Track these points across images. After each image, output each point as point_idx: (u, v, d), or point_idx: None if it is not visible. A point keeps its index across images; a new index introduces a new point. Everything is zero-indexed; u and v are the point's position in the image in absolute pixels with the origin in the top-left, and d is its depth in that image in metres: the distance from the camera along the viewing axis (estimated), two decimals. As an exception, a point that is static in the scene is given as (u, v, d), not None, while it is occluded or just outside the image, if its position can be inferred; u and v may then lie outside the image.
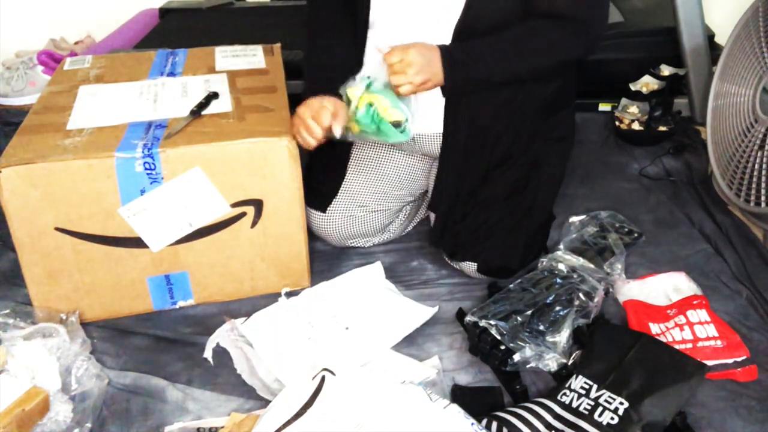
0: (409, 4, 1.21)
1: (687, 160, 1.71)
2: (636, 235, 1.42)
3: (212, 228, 1.22)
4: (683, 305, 1.21)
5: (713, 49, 1.82)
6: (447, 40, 1.18)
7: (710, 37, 1.85)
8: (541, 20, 1.16)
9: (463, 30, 1.17)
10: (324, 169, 1.40)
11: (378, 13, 1.24)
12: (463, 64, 1.15)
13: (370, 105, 1.13)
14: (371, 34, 1.27)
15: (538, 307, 1.16)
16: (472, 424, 0.90)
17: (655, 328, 1.18)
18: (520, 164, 1.30)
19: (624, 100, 1.84)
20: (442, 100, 1.23)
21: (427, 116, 1.26)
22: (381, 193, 1.40)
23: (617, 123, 1.83)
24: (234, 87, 1.34)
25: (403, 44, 1.13)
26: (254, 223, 1.23)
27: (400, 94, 1.14)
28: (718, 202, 1.53)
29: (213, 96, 1.28)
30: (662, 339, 1.14)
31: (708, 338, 1.14)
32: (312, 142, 1.16)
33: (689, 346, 1.13)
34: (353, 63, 1.27)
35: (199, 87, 1.33)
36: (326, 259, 1.41)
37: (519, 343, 1.10)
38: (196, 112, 1.23)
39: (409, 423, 0.91)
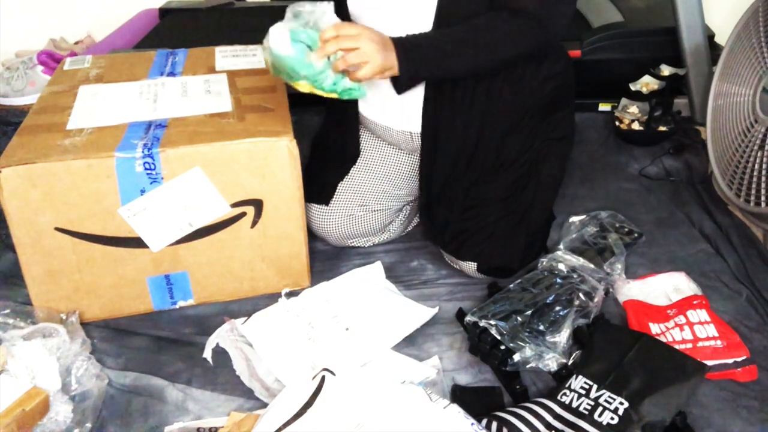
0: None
1: (687, 160, 1.71)
2: (636, 235, 1.42)
3: (212, 228, 1.22)
4: (683, 305, 1.21)
5: (713, 49, 1.82)
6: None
7: (710, 37, 1.85)
8: (497, 14, 1.15)
9: (441, 18, 1.16)
10: (324, 164, 1.41)
11: (356, 5, 1.23)
12: (418, 57, 1.12)
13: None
14: None
15: (538, 307, 1.16)
16: (472, 424, 0.90)
17: (655, 328, 1.18)
18: (519, 164, 1.30)
19: (624, 100, 1.84)
20: (421, 98, 1.23)
21: (406, 113, 1.28)
22: (381, 193, 1.40)
23: (617, 123, 1.83)
24: (234, 87, 1.34)
25: (353, 24, 1.09)
26: (254, 223, 1.23)
27: (357, 78, 1.08)
28: (718, 202, 1.53)
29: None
30: (662, 339, 1.14)
31: (708, 338, 1.14)
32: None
33: (689, 346, 1.13)
34: None
35: (199, 87, 1.33)
36: (326, 259, 1.41)
37: (519, 343, 1.10)
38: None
39: (409, 423, 0.91)
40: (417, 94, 1.23)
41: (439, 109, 1.25)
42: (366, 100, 1.28)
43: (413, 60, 1.11)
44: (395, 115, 1.31)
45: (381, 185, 1.40)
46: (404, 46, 1.11)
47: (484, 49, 1.16)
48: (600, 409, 0.98)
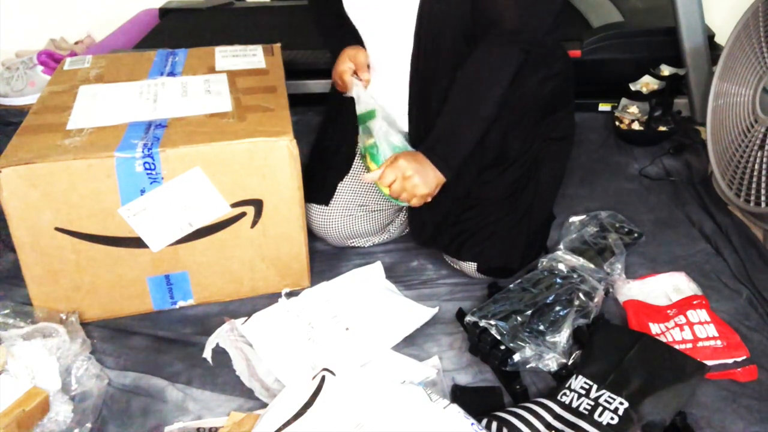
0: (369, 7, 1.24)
1: (687, 160, 1.71)
2: (636, 235, 1.42)
3: (212, 228, 1.22)
4: (683, 305, 1.21)
5: (713, 49, 1.82)
6: (409, 38, 1.21)
7: (710, 37, 1.85)
8: (475, 53, 1.18)
9: (423, 17, 1.18)
10: (324, 164, 1.41)
11: (348, 5, 1.27)
12: (448, 156, 1.19)
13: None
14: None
15: (538, 307, 1.16)
16: (472, 424, 0.90)
17: (655, 328, 1.18)
18: (519, 164, 1.30)
19: (624, 100, 1.84)
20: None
21: (403, 114, 1.29)
22: (381, 193, 1.40)
23: (617, 123, 1.83)
24: (234, 87, 1.34)
25: (390, 162, 1.18)
26: (254, 223, 1.23)
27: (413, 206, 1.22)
28: (718, 202, 1.53)
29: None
30: (662, 339, 1.14)
31: (708, 338, 1.14)
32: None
33: (689, 346, 1.13)
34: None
35: (199, 87, 1.33)
36: (326, 259, 1.41)
37: (519, 343, 1.10)
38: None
39: (409, 423, 0.91)
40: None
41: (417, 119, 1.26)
42: (363, 101, 1.29)
43: (445, 160, 1.19)
44: (395, 115, 1.31)
45: (381, 185, 1.40)
46: (436, 156, 1.19)
47: (489, 98, 1.19)
48: (600, 409, 0.98)
